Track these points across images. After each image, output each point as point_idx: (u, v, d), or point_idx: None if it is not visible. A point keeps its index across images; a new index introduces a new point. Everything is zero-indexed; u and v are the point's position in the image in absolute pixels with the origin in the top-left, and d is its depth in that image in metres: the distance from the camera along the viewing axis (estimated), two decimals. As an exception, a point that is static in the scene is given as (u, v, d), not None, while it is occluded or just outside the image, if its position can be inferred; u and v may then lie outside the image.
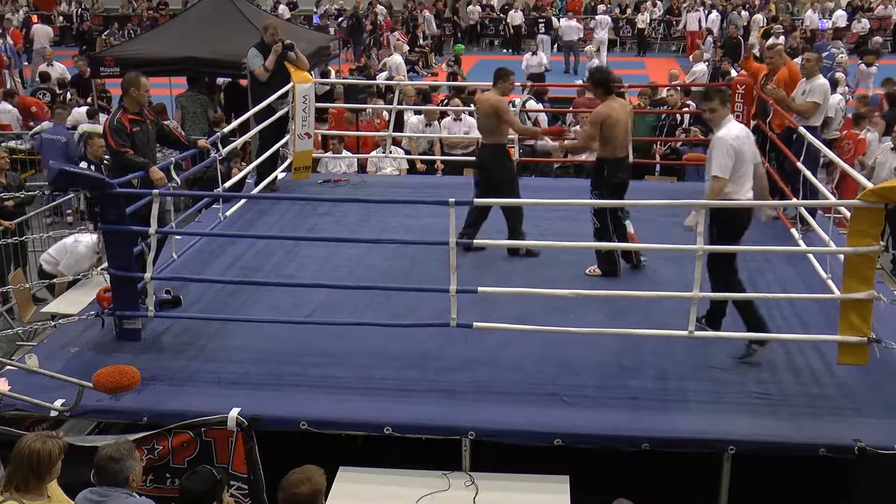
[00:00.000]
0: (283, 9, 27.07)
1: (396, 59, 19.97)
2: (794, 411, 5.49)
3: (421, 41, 26.23)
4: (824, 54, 18.46)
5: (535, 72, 21.02)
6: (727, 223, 6.01)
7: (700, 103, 7.47)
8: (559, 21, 26.11)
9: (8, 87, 18.73)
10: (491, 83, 8.08)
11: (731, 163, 5.86)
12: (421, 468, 5.28)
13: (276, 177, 9.71)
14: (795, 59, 10.02)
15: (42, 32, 23.76)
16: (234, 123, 9.74)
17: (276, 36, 9.46)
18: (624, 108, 7.51)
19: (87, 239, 8.23)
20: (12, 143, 13.16)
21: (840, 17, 25.94)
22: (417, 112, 12.58)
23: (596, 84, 7.56)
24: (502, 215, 7.88)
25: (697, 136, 11.89)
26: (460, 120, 12.25)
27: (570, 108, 13.16)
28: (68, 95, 16.18)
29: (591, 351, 6.13)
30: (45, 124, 13.34)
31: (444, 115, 12.54)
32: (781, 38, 20.27)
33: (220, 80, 15.31)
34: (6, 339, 7.45)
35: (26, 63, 23.07)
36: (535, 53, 21.84)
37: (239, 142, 9.72)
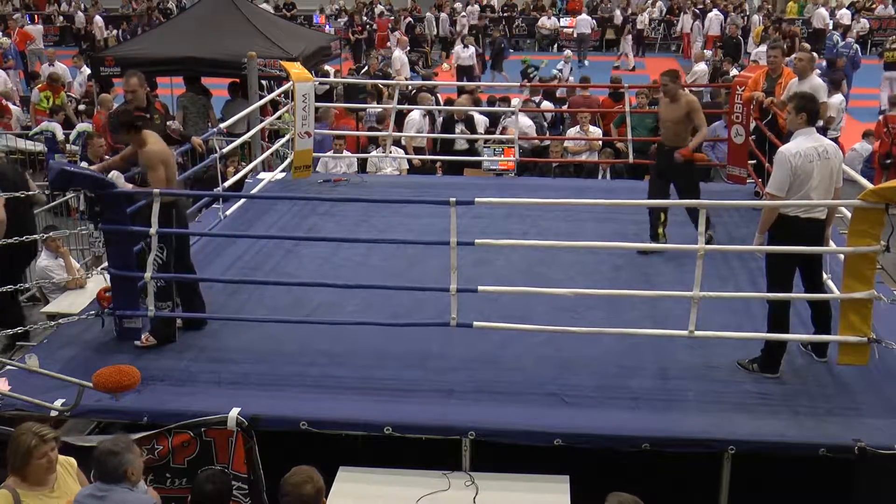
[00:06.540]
0: (264, 6, 25.99)
1: (398, 54, 19.51)
2: (794, 411, 5.50)
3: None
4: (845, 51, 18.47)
5: (464, 64, 21.34)
6: (780, 237, 5.77)
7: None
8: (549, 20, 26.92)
9: (9, 87, 18.66)
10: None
11: (788, 180, 5.64)
12: (421, 468, 5.27)
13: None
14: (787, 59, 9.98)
15: (36, 32, 23.70)
16: (232, 120, 9.78)
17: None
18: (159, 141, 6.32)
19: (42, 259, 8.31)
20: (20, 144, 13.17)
21: (844, 15, 25.94)
22: (409, 111, 12.56)
23: (124, 127, 6.15)
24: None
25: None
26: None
27: (568, 108, 13.18)
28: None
29: (591, 351, 6.14)
30: (45, 124, 13.35)
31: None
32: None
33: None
34: (6, 339, 7.46)
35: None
36: (466, 47, 21.96)
37: (238, 142, 9.75)
